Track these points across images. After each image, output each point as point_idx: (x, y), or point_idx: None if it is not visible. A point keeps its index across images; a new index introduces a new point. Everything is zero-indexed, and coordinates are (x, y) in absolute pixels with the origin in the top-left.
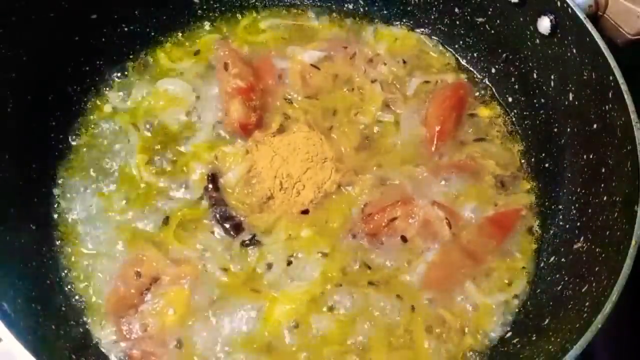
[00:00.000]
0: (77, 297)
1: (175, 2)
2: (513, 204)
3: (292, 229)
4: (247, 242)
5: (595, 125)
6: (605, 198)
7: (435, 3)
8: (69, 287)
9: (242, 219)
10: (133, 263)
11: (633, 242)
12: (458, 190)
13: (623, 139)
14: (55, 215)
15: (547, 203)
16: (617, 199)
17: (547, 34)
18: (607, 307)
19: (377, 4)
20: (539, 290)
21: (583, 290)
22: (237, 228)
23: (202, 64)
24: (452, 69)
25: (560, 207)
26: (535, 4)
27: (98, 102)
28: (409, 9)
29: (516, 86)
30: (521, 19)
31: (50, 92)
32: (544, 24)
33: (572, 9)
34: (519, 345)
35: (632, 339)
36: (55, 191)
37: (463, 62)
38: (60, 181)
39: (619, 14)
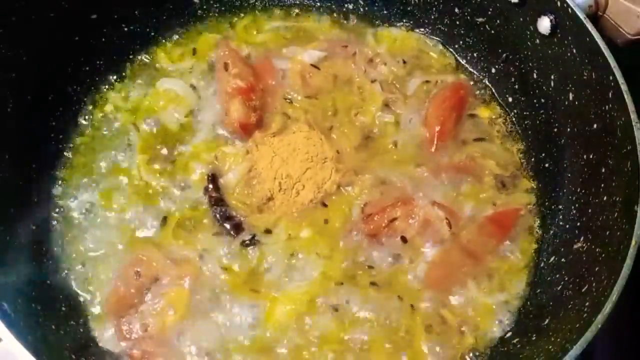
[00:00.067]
0: (77, 297)
1: (175, 2)
2: (513, 204)
3: (292, 229)
4: (247, 242)
5: (595, 125)
6: (605, 198)
7: (435, 3)
8: (69, 287)
9: (242, 219)
10: (133, 263)
11: (633, 242)
12: (458, 190)
13: (623, 139)
14: (55, 215)
15: (547, 203)
16: (617, 199)
17: (547, 34)
18: (607, 307)
19: (377, 4)
20: (539, 290)
21: (583, 290)
22: (237, 228)
23: (202, 64)
24: (452, 69)
25: (560, 207)
26: (535, 4)
27: (98, 102)
28: (409, 9)
29: (516, 86)
30: (521, 19)
31: (50, 92)
32: (544, 24)
33: (572, 9)
34: (519, 345)
35: (632, 339)
36: (55, 191)
37: (463, 62)
38: (60, 181)
39: (619, 14)
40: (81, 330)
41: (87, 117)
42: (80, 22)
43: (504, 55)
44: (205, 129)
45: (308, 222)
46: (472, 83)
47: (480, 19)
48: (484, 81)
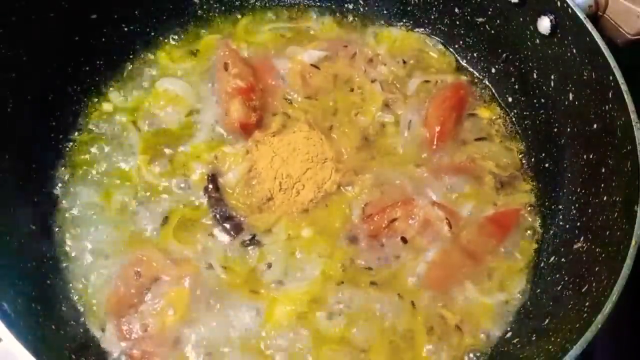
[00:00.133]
0: (77, 297)
1: (175, 2)
2: (513, 204)
3: (292, 229)
4: (247, 242)
5: (595, 125)
6: (605, 198)
7: (435, 3)
8: (69, 287)
9: (242, 219)
10: (133, 263)
11: (633, 242)
12: (458, 190)
13: (623, 139)
14: (55, 215)
15: (547, 203)
16: (617, 199)
17: (547, 34)
18: (607, 307)
19: (377, 4)
20: (539, 290)
21: (583, 290)
22: (237, 228)
23: (202, 64)
24: (452, 69)
25: (560, 207)
26: (535, 4)
27: (98, 102)
28: (409, 9)
29: (516, 86)
30: (521, 19)
31: (50, 92)
32: (544, 24)
33: (572, 9)
34: (519, 345)
35: (632, 339)
36: (56, 191)
37: (463, 62)
38: (60, 181)
39: (619, 14)
40: (81, 330)
41: (87, 117)
42: (80, 22)
43: (504, 55)
44: (205, 129)
45: (308, 222)
46: (472, 83)
47: (480, 19)
48: (484, 81)
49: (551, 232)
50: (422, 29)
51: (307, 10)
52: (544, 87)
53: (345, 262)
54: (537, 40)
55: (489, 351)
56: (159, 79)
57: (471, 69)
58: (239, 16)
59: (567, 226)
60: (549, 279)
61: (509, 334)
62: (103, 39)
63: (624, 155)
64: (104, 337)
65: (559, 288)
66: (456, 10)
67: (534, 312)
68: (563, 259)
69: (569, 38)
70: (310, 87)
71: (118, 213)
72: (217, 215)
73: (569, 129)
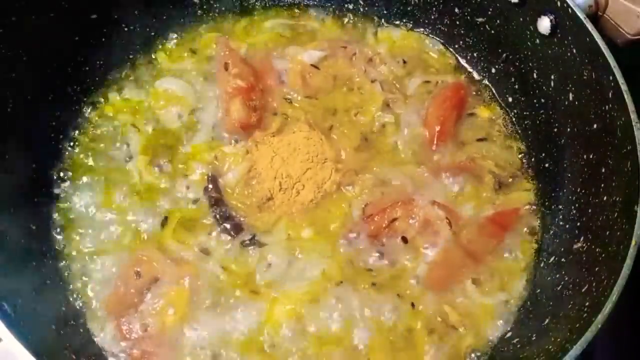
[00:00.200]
0: (77, 297)
1: (175, 2)
2: (513, 204)
3: (292, 229)
4: (247, 242)
5: (595, 125)
6: (605, 198)
7: (435, 3)
8: (69, 287)
9: (242, 219)
10: (133, 263)
11: (633, 242)
12: (458, 190)
13: (623, 139)
14: (55, 215)
15: (547, 203)
16: (617, 199)
17: (547, 34)
18: (607, 307)
19: (377, 4)
20: (539, 290)
21: (583, 290)
22: (237, 228)
23: (202, 64)
24: (452, 69)
25: (560, 207)
26: (535, 4)
27: (98, 102)
28: (409, 9)
29: (516, 86)
30: (521, 19)
31: (50, 92)
32: (544, 24)
33: (572, 9)
34: (519, 345)
35: (632, 339)
36: (55, 191)
37: (463, 62)
38: (60, 181)
39: (619, 14)
40: (81, 330)
41: (87, 117)
42: (80, 22)
43: (504, 55)
44: (205, 129)
45: (308, 222)
46: (472, 83)
47: (480, 19)
48: (484, 81)
49: (551, 232)
50: (422, 29)
51: (307, 10)
52: (544, 87)
53: (345, 262)
54: (537, 40)
55: (489, 351)
56: (159, 79)
57: (471, 69)
58: (239, 16)
59: (567, 226)
60: (549, 279)
61: (509, 334)
62: (103, 39)
63: (624, 155)
64: (104, 337)
65: (559, 288)
66: (456, 10)
67: (534, 312)
68: (563, 259)
69: (569, 38)
70: (310, 87)
71: (118, 213)
72: (217, 215)
73: (569, 129)
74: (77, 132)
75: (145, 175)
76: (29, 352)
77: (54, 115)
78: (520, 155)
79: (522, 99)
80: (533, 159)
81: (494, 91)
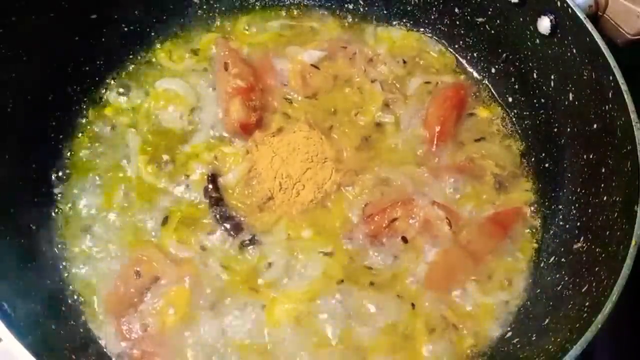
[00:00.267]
0: (77, 297)
1: (175, 2)
2: (513, 204)
3: (292, 229)
4: (247, 242)
5: (595, 125)
6: (605, 198)
7: (435, 3)
8: (68, 287)
9: (242, 219)
10: (133, 263)
11: (633, 242)
12: (458, 190)
13: (623, 139)
14: (55, 215)
15: (547, 203)
16: (617, 199)
17: (547, 34)
18: (607, 307)
19: (377, 4)
20: (539, 290)
21: (583, 290)
22: (237, 228)
23: (202, 64)
24: (452, 69)
25: (560, 207)
26: (535, 4)
27: (98, 102)
28: (409, 9)
29: (516, 86)
30: (521, 19)
31: (50, 92)
32: (544, 24)
33: (572, 9)
34: (519, 345)
35: (632, 339)
36: (55, 191)
37: (463, 62)
38: (60, 181)
39: (619, 14)
40: (81, 330)
41: (87, 117)
42: (80, 22)
43: (504, 55)
44: (205, 129)
45: (308, 222)
46: (472, 83)
47: (480, 19)
48: (484, 81)
49: (551, 232)
50: (422, 29)
51: (307, 10)
52: (544, 87)
53: (345, 262)
54: (537, 40)
55: (489, 351)
56: (159, 79)
57: (471, 69)
58: (239, 16)
59: (567, 226)
60: (549, 279)
61: (509, 334)
62: (103, 39)
63: (624, 155)
64: (104, 337)
65: (559, 288)
66: (456, 10)
67: (534, 312)
68: (563, 259)
69: (569, 38)
70: (310, 87)
71: (118, 213)
72: (217, 215)
73: (569, 129)
74: (77, 132)
75: (145, 175)
76: (29, 352)
77: (54, 115)
78: (520, 155)
79: (522, 99)
80: (533, 159)
81: (494, 91)
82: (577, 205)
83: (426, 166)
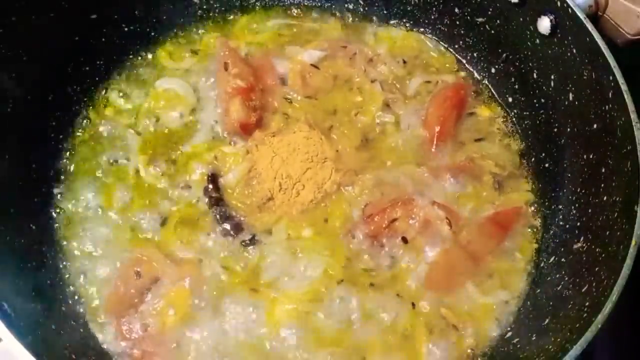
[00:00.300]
0: (77, 297)
1: (175, 2)
2: (513, 204)
3: (292, 229)
4: (247, 242)
5: (595, 125)
6: (605, 198)
7: (435, 3)
8: (69, 287)
9: (242, 219)
10: (133, 263)
11: (633, 242)
12: (458, 190)
13: (623, 139)
14: (55, 215)
15: (547, 203)
16: (617, 199)
17: (547, 34)
18: (607, 307)
19: (377, 4)
20: (539, 290)
21: (583, 290)
22: (237, 228)
23: (202, 64)
24: (452, 69)
25: (560, 207)
26: (535, 4)
27: (98, 102)
28: (409, 9)
29: (516, 86)
30: (521, 19)
31: (50, 92)
32: (544, 24)
33: (572, 9)
34: (519, 345)
35: (632, 339)
36: (55, 191)
37: (463, 62)
38: (60, 181)
39: (619, 14)
40: (81, 330)
41: (87, 117)
42: (80, 22)
43: (504, 55)
44: (205, 129)
45: (308, 222)
46: (472, 83)
47: (480, 19)
48: (484, 81)
49: (551, 232)
50: (422, 29)
51: (307, 10)
52: (544, 87)
53: (345, 262)
54: (537, 40)
55: (489, 351)
56: (159, 79)
57: (471, 69)
58: (239, 16)
59: (567, 226)
60: (549, 279)
61: (509, 334)
62: (103, 39)
63: (624, 155)
64: (104, 337)
65: (559, 288)
66: (456, 10)
67: (534, 312)
68: (563, 259)
69: (569, 38)
70: (310, 87)
71: (118, 213)
72: (217, 215)
73: (569, 129)
74: (77, 132)
75: (145, 175)
76: (29, 352)
77: (54, 115)
78: (520, 155)
79: (522, 99)
80: (533, 159)
81: (494, 91)
82: (577, 205)
83: (426, 166)
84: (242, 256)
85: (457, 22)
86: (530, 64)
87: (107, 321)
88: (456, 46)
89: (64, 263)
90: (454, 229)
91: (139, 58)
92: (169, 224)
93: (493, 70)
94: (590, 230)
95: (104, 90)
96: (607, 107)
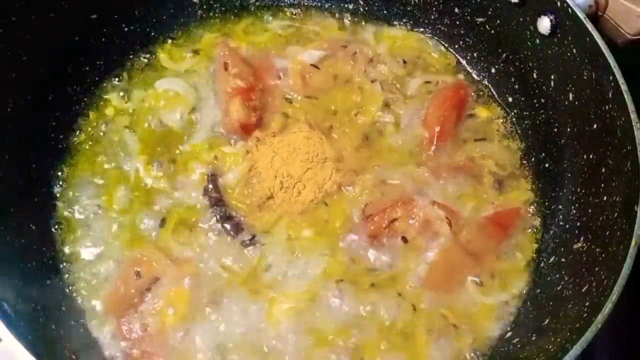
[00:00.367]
0: (77, 297)
1: (175, 2)
2: (513, 204)
3: (292, 229)
4: (247, 242)
5: (595, 125)
6: (605, 198)
7: (435, 3)
8: (69, 287)
9: (242, 219)
10: (133, 263)
11: (633, 242)
12: (458, 190)
13: (623, 139)
14: (55, 216)
15: (547, 203)
16: (617, 199)
17: (547, 34)
18: (607, 307)
19: (377, 4)
20: (539, 290)
21: (583, 290)
22: (237, 228)
23: (202, 64)
24: (452, 69)
25: (560, 207)
26: (535, 4)
27: (98, 102)
28: (409, 9)
29: (516, 86)
30: (521, 19)
31: (50, 92)
32: (544, 24)
33: (572, 9)
34: (519, 345)
35: (632, 339)
36: (55, 191)
37: (463, 62)
38: (60, 181)
39: (619, 14)
40: (81, 330)
41: (87, 117)
42: (80, 22)
43: (504, 55)
44: (205, 129)
45: (308, 222)
46: (472, 83)
47: (480, 19)
48: (484, 81)
49: (551, 232)
50: (422, 29)
51: (307, 10)
52: (544, 87)
53: (345, 262)
54: (537, 40)
55: (489, 351)
56: (159, 79)
57: (471, 69)
58: (239, 16)
59: (567, 226)
60: (549, 279)
61: (509, 334)
62: (103, 39)
63: (624, 155)
64: (104, 337)
65: (559, 288)
66: (456, 10)
67: (534, 312)
68: (563, 259)
69: (569, 38)
70: (310, 87)
71: (118, 213)
72: (217, 215)
73: (569, 129)
74: (77, 132)
75: (145, 175)
76: (29, 352)
77: (54, 115)
78: (520, 155)
79: (522, 99)
80: (533, 159)
81: (494, 91)
82: (577, 205)
83: (426, 166)
84: (242, 256)
85: (457, 22)
86: (530, 64)
87: (107, 321)
88: (456, 46)
89: (64, 263)
90: (454, 228)
91: (139, 58)
92: (168, 224)
93: (493, 71)
94: (590, 230)
95: (104, 90)
96: (607, 107)
